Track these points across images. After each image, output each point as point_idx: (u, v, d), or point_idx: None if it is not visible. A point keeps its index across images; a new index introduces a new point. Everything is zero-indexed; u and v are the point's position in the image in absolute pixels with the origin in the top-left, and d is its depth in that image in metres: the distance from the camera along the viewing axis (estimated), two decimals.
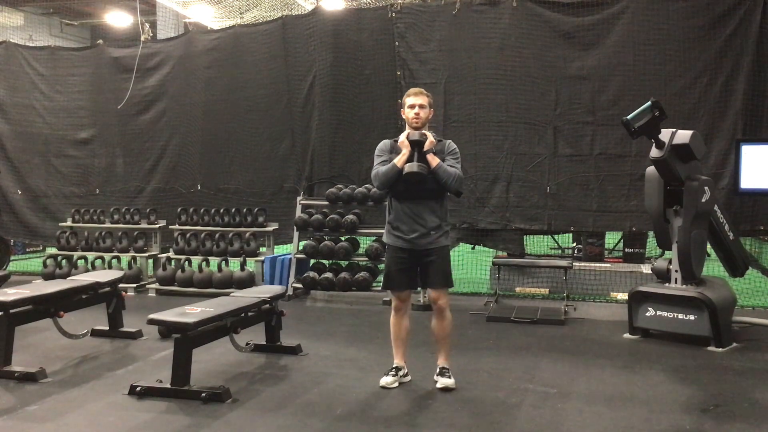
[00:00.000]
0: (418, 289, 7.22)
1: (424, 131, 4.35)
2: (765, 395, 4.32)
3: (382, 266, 7.63)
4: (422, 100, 4.42)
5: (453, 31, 7.73)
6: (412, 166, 4.24)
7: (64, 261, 8.33)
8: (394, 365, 4.54)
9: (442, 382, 4.41)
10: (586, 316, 6.57)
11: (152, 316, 4.48)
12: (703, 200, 5.41)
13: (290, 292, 7.58)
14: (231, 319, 4.69)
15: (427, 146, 4.29)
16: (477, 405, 4.15)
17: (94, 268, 8.10)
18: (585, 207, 7.38)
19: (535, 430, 3.77)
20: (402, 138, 4.39)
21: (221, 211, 8.35)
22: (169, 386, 4.28)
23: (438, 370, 4.49)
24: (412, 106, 4.41)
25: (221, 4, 11.86)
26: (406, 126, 4.48)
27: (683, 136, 5.33)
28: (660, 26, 7.11)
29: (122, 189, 9.25)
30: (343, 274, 7.47)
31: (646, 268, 7.35)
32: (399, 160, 4.30)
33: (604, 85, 7.30)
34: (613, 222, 7.46)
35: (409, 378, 4.55)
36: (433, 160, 4.29)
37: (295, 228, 7.90)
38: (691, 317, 5.43)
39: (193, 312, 4.47)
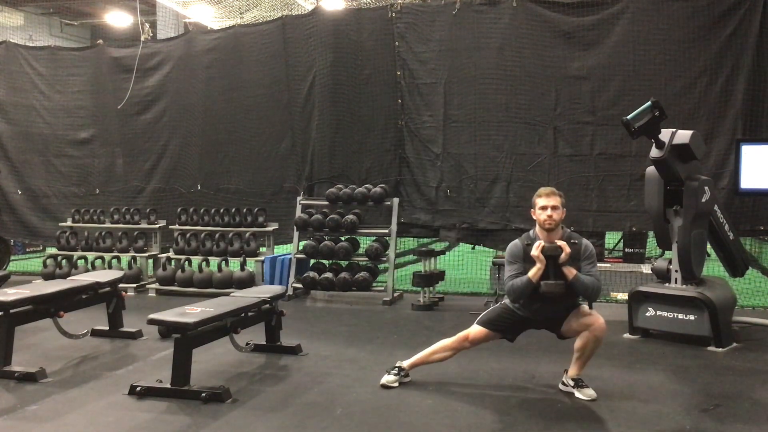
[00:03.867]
0: (423, 289, 7.23)
1: (558, 241, 4.13)
2: (765, 395, 4.32)
3: (382, 266, 7.68)
4: (555, 201, 4.19)
5: (453, 31, 7.73)
6: (549, 285, 4.06)
7: (64, 261, 8.33)
8: (398, 365, 4.52)
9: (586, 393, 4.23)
10: None
11: (152, 316, 4.47)
12: (703, 200, 5.41)
13: (290, 292, 7.58)
14: (231, 319, 4.69)
15: (562, 259, 4.07)
16: (477, 405, 4.15)
17: (94, 268, 8.10)
18: (585, 207, 7.38)
19: (535, 430, 3.76)
20: (535, 251, 4.10)
21: (221, 211, 8.35)
22: (169, 386, 4.28)
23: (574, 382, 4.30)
24: (544, 208, 4.18)
25: (221, 4, 11.87)
26: (536, 226, 4.28)
27: (683, 136, 5.33)
28: (660, 26, 7.11)
29: (122, 189, 9.26)
30: (343, 274, 7.47)
31: (646, 268, 7.35)
32: (533, 274, 4.09)
33: (604, 85, 7.30)
34: (613, 222, 7.47)
35: (408, 378, 4.54)
36: (570, 273, 4.08)
37: (295, 228, 7.90)
38: (691, 317, 5.42)
39: (193, 312, 4.46)
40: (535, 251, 4.11)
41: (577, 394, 4.23)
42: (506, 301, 4.42)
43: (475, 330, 4.39)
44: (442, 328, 6.08)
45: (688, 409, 4.08)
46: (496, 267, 7.53)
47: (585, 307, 4.31)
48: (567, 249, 4.09)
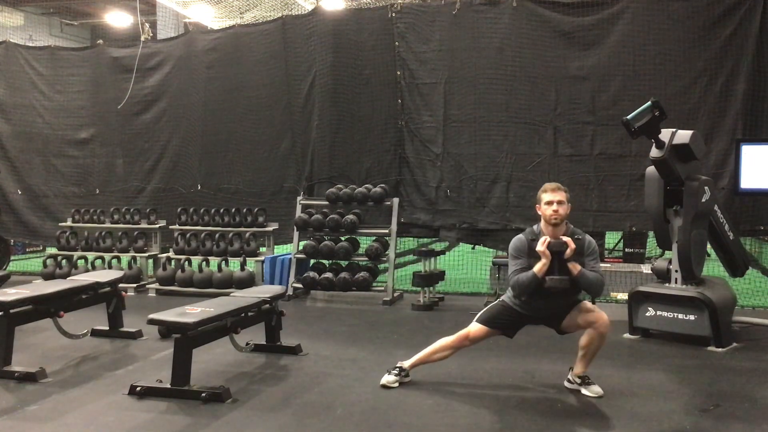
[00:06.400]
0: (423, 289, 7.22)
1: (563, 237, 4.12)
2: (765, 395, 4.32)
3: (382, 266, 7.68)
4: (561, 196, 4.17)
5: (453, 31, 7.73)
6: (554, 281, 4.07)
7: (64, 261, 8.33)
8: (399, 365, 4.52)
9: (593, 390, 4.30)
10: None
11: (152, 316, 4.47)
12: (703, 200, 5.41)
13: (290, 292, 7.58)
14: (231, 319, 4.68)
15: (568, 254, 4.06)
16: (477, 405, 4.15)
17: (94, 268, 8.09)
18: (585, 207, 7.37)
19: (536, 430, 3.77)
20: (541, 247, 4.09)
21: (221, 211, 8.35)
22: (169, 386, 4.28)
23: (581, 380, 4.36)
24: (549, 203, 4.16)
25: (221, 4, 11.87)
26: (541, 221, 4.24)
27: (683, 136, 5.33)
28: (660, 26, 7.12)
29: (122, 189, 9.26)
30: (343, 274, 7.47)
31: (646, 268, 7.34)
32: (539, 270, 4.08)
33: (604, 85, 7.31)
34: (613, 222, 7.47)
35: (409, 378, 4.54)
36: (575, 269, 4.08)
37: (295, 228, 7.90)
38: (691, 317, 5.42)
39: (193, 312, 4.46)
40: (540, 246, 4.10)
41: (584, 391, 4.27)
42: (505, 297, 4.42)
43: (475, 328, 4.40)
44: (442, 328, 6.07)
45: (688, 409, 4.08)
46: (496, 267, 7.53)
47: (587, 303, 4.32)
48: (572, 245, 4.07)
